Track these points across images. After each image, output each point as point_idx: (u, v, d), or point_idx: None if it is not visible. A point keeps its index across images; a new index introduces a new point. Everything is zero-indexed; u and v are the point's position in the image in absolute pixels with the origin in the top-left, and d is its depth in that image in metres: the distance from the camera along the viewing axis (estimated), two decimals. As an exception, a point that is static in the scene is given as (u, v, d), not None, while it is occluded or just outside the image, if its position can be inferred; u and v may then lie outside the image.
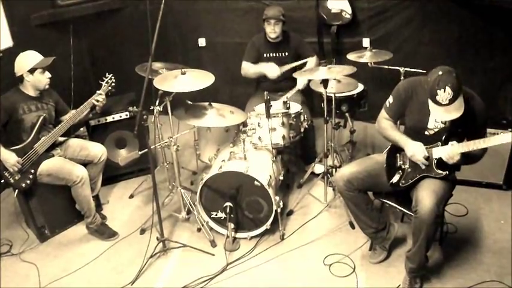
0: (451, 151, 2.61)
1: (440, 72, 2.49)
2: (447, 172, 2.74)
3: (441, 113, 2.56)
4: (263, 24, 4.25)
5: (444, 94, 2.46)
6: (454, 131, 2.67)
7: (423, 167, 2.79)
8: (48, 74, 3.48)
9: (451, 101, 2.48)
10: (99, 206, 3.99)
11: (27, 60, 3.42)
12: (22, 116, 3.43)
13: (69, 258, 3.50)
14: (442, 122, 2.74)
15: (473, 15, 4.48)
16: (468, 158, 2.67)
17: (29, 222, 3.77)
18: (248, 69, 4.32)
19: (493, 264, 3.16)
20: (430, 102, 2.58)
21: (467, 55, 4.66)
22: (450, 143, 2.63)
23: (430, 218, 2.63)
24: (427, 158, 2.76)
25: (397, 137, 2.91)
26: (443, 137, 2.71)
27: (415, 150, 2.79)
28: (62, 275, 3.31)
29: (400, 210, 3.09)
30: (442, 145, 2.72)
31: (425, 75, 2.65)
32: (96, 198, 3.91)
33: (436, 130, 2.77)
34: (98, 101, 3.63)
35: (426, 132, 2.82)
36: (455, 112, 2.52)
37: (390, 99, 2.96)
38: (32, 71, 3.40)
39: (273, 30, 4.20)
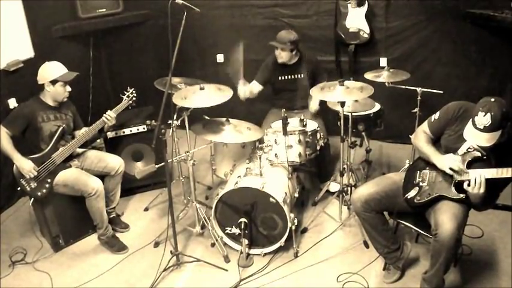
0: (479, 173, 2.58)
1: (493, 99, 2.48)
2: (464, 196, 2.72)
3: (472, 134, 2.55)
4: None
5: (483, 119, 2.46)
6: (483, 159, 2.65)
7: (458, 178, 2.74)
8: (68, 88, 3.54)
9: (485, 129, 2.47)
10: (118, 215, 4.03)
11: (51, 70, 3.48)
12: (41, 124, 3.49)
13: (83, 268, 3.52)
14: (471, 150, 2.72)
15: (492, 36, 4.48)
16: (486, 198, 2.63)
17: (44, 232, 3.80)
18: (252, 90, 4.23)
19: (510, 289, 3.12)
20: (470, 121, 2.56)
21: (485, 76, 4.65)
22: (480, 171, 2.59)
23: (451, 242, 2.61)
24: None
25: (430, 152, 2.89)
26: (467, 162, 2.70)
27: (449, 162, 2.75)
28: (75, 286, 3.32)
29: (417, 232, 3.06)
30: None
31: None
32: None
33: (461, 153, 2.75)
34: (108, 119, 3.62)
35: None
36: (484, 141, 2.52)
37: (436, 115, 2.91)
38: (53, 82, 3.46)
39: (279, 55, 4.13)
